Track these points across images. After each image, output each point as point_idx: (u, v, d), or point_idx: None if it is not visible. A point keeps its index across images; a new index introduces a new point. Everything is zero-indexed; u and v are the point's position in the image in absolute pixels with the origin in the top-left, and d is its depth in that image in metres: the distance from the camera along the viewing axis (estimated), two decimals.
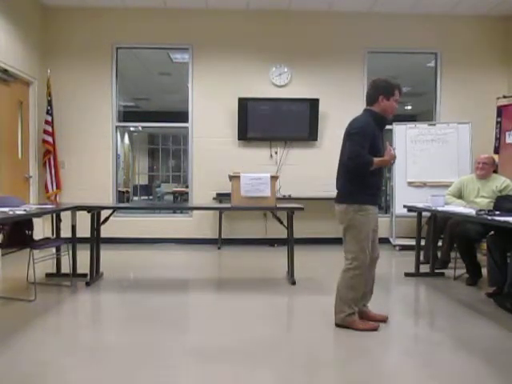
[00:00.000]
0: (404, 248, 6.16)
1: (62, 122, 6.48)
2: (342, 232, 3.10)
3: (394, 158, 3.05)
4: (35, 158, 6.28)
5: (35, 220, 4.43)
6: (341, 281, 3.08)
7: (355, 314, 3.09)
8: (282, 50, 6.68)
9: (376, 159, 2.96)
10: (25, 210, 3.67)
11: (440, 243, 5.10)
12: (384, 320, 3.23)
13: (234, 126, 6.59)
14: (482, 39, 6.77)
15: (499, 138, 6.07)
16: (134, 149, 15.90)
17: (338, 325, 3.09)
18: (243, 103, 6.51)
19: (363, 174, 2.98)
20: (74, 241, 4.42)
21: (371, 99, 3.08)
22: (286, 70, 6.69)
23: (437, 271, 4.71)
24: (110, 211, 4.60)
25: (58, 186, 6.32)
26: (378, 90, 3.05)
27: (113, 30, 6.59)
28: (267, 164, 6.62)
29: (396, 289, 4.45)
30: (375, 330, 3.06)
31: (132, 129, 14.60)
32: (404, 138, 6.40)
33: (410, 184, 6.31)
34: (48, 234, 5.62)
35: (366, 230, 3.02)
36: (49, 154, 6.22)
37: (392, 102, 3.05)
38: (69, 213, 4.38)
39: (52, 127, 6.22)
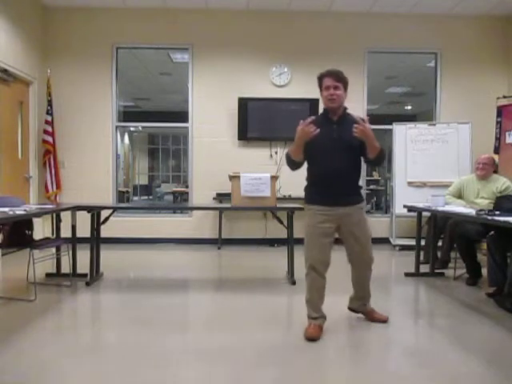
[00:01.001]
0: (404, 248, 6.16)
1: (62, 122, 6.48)
2: None
3: (306, 131, 2.76)
4: (35, 158, 6.28)
5: (35, 220, 4.43)
6: None
7: (313, 318, 2.96)
8: (281, 50, 6.68)
9: (290, 148, 2.92)
10: (25, 210, 3.66)
11: (440, 243, 5.11)
12: (385, 320, 3.23)
13: (234, 125, 6.59)
14: (482, 39, 6.77)
15: (499, 138, 6.07)
16: (134, 149, 15.91)
17: None
18: (243, 103, 6.51)
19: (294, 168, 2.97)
20: (74, 241, 4.42)
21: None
22: (285, 69, 6.69)
23: (437, 271, 4.71)
24: (110, 211, 4.60)
25: (58, 186, 6.32)
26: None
27: (113, 30, 6.59)
28: (267, 164, 6.62)
29: (396, 289, 4.45)
30: (310, 338, 2.85)
31: (132, 129, 14.61)
32: (404, 138, 6.40)
33: (410, 184, 6.31)
34: (48, 233, 5.62)
35: (309, 229, 2.93)
36: (49, 154, 6.22)
37: (323, 93, 3.06)
38: (69, 213, 4.37)
39: (52, 127, 6.22)
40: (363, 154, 2.93)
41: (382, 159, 3.00)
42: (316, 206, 2.93)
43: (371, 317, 3.24)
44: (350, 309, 3.31)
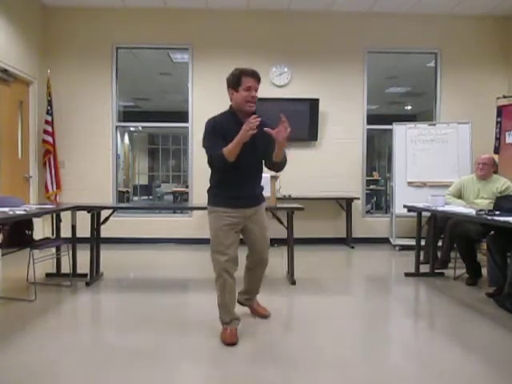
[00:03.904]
0: (404, 248, 6.16)
1: (62, 122, 6.48)
2: None
3: (250, 128, 2.61)
4: (35, 158, 6.28)
5: (35, 220, 4.43)
6: None
7: (227, 323, 2.89)
8: (282, 50, 6.68)
9: (228, 146, 2.67)
10: (25, 210, 3.67)
11: (440, 243, 5.11)
12: (266, 315, 3.29)
13: None
14: (482, 39, 6.77)
15: (499, 138, 6.07)
16: (134, 149, 15.92)
17: None
18: None
19: (222, 171, 2.81)
20: (74, 241, 4.43)
21: (229, 95, 2.97)
22: (286, 69, 6.70)
23: (437, 271, 4.71)
24: (109, 211, 4.60)
25: (58, 186, 6.32)
26: (227, 85, 2.92)
27: (113, 30, 6.59)
28: None
29: (396, 289, 4.45)
30: (230, 344, 2.78)
31: (132, 129, 14.62)
32: (404, 138, 6.40)
33: (410, 184, 6.31)
34: (48, 233, 5.62)
35: (214, 231, 2.86)
36: (49, 154, 6.22)
37: (242, 93, 2.81)
38: (69, 213, 4.38)
39: (52, 127, 6.22)
40: (267, 158, 2.86)
41: (285, 164, 2.92)
42: (223, 207, 2.84)
43: (255, 311, 3.33)
44: (238, 302, 3.23)
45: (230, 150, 2.68)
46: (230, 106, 2.97)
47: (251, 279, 3.21)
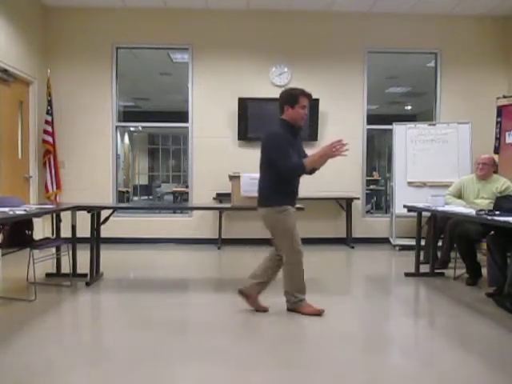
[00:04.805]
0: (404, 248, 6.16)
1: (62, 122, 6.48)
2: (271, 232, 3.46)
3: (334, 148, 3.06)
4: (35, 158, 6.28)
5: (35, 220, 4.43)
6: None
7: (303, 300, 3.35)
8: (282, 50, 6.68)
9: (308, 160, 3.18)
10: (25, 210, 3.67)
11: (440, 243, 5.11)
12: (265, 310, 3.44)
13: (234, 126, 6.59)
14: (482, 39, 6.77)
15: (499, 138, 6.07)
16: (134, 149, 15.92)
17: (288, 309, 3.40)
18: (243, 103, 6.51)
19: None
20: (74, 241, 4.42)
21: (280, 109, 3.30)
22: (286, 69, 6.69)
23: (437, 271, 4.71)
24: (109, 211, 4.60)
25: (57, 186, 6.32)
26: (283, 100, 3.24)
27: (113, 30, 6.59)
28: None
29: (396, 289, 4.45)
30: (319, 314, 3.30)
31: (132, 129, 14.62)
32: (404, 138, 6.40)
33: (410, 184, 6.31)
34: (48, 233, 5.62)
35: (292, 226, 3.32)
36: (49, 154, 6.22)
37: (297, 110, 3.20)
38: (69, 213, 4.37)
39: (52, 127, 6.22)
40: None
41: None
42: (291, 206, 3.32)
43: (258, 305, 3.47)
44: (243, 292, 3.47)
45: (313, 161, 3.18)
46: (281, 119, 3.28)
47: (274, 272, 3.48)
